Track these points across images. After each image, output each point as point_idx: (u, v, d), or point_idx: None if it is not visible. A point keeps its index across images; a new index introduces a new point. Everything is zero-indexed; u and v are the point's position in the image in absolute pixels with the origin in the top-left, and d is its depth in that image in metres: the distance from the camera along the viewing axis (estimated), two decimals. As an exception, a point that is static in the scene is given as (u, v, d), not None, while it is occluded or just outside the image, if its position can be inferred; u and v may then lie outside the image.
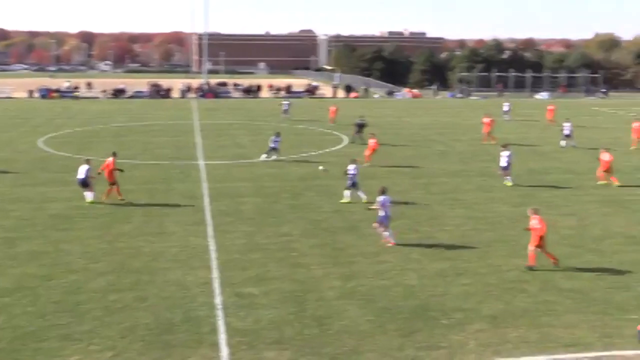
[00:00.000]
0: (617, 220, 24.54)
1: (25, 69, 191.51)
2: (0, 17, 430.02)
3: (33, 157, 37.76)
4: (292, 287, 17.44)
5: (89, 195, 26.43)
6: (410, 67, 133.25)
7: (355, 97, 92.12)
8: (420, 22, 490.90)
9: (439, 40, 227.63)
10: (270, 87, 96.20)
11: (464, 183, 30.95)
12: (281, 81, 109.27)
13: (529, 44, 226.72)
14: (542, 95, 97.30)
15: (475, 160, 37.72)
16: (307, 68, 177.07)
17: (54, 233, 22.21)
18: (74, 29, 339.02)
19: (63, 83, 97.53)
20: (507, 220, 24.38)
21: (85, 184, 26.49)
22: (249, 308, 16.03)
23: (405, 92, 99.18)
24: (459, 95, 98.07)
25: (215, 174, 32.77)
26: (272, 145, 36.34)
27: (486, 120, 45.36)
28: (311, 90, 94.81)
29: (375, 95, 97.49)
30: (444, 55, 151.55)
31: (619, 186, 30.32)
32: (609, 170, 30.92)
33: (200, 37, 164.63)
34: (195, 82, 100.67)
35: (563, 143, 42.89)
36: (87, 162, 27.16)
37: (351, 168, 27.01)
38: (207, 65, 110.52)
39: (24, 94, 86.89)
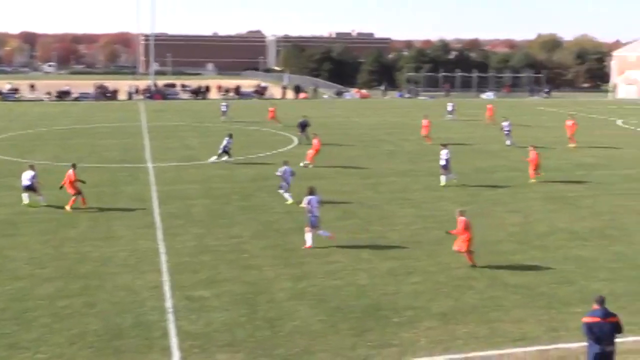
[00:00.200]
0: (561, 217, 25.17)
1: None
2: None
3: (-26, 161, 36.74)
4: (244, 289, 17.39)
5: (25, 198, 25.92)
6: (359, 68, 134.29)
7: (305, 98, 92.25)
8: (367, 23, 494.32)
9: (386, 41, 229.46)
10: (219, 88, 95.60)
11: (413, 182, 31.32)
12: (230, 82, 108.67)
13: (474, 44, 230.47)
14: (488, 95, 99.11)
15: (423, 159, 38.17)
16: (256, 69, 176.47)
17: (-2, 239, 21.66)
18: (15, 30, 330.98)
19: (4, 85, 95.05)
20: (455, 219, 24.69)
21: (30, 189, 25.92)
22: (200, 311, 15.93)
23: (353, 93, 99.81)
24: (407, 95, 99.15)
25: (164, 176, 32.42)
26: (224, 146, 36.00)
27: (424, 122, 45.73)
28: (260, 91, 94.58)
29: (324, 96, 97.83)
30: (391, 55, 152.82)
31: (534, 182, 31.25)
32: (537, 167, 31.63)
33: (146, 37, 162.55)
34: (142, 84, 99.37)
35: (508, 142, 43.66)
36: (32, 167, 26.57)
37: (281, 170, 27.06)
38: (154, 67, 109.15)
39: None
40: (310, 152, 35.51)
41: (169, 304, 16.35)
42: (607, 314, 11.94)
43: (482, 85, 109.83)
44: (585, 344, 14.08)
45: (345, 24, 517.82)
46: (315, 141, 35.78)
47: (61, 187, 26.06)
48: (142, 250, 20.61)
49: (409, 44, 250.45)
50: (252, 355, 13.76)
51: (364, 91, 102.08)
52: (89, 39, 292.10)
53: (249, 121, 57.34)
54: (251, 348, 14.06)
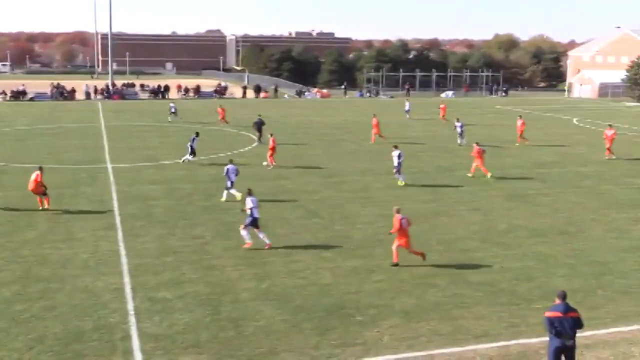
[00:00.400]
0: (521, 214, 25.57)
1: None
2: None
3: None
4: (207, 290, 17.28)
5: None
6: (319, 67, 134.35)
7: (265, 98, 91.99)
8: (328, 23, 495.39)
9: (346, 41, 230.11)
10: (179, 87, 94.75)
11: (375, 181, 31.47)
12: (190, 82, 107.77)
13: (433, 44, 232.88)
14: (447, 95, 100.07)
15: (384, 158, 38.26)
16: (216, 69, 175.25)
17: (-47, 242, 21.14)
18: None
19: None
20: (417, 217, 24.92)
21: None
22: (163, 312, 15.78)
23: (314, 92, 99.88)
24: (367, 95, 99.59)
25: (125, 177, 32.02)
26: (190, 144, 35.44)
27: (374, 121, 46.02)
28: (221, 91, 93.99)
29: (285, 96, 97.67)
30: (352, 55, 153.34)
31: (471, 176, 32.44)
32: (481, 163, 32.54)
33: (104, 37, 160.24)
34: (100, 83, 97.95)
35: (460, 141, 43.75)
36: None
37: (225, 169, 27.47)
38: (113, 66, 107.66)
39: None
40: (268, 153, 35.43)
41: (130, 306, 16.16)
42: (568, 309, 12.18)
43: (442, 85, 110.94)
44: (545, 339, 14.35)
45: (306, 23, 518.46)
46: (270, 140, 35.67)
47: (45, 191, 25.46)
48: (103, 252, 20.34)
49: (369, 44, 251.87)
50: (217, 357, 13.69)
51: (324, 91, 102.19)
52: (45, 38, 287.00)
53: (211, 121, 56.89)
54: (215, 349, 13.99)
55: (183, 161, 35.37)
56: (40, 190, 25.39)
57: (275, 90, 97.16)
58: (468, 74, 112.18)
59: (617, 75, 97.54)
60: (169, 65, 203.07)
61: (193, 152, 35.44)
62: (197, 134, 36.38)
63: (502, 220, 24.72)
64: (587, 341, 14.21)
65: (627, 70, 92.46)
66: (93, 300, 16.49)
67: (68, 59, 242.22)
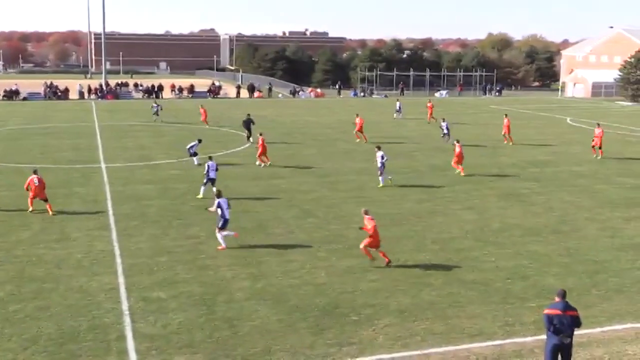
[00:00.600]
0: (514, 213, 25.63)
1: None
2: None
3: None
4: (201, 290, 17.26)
5: None
6: (313, 67, 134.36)
7: (259, 97, 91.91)
8: (321, 22, 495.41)
9: (340, 40, 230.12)
10: (173, 87, 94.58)
11: (369, 181, 31.45)
12: (184, 81, 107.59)
13: (427, 44, 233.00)
14: (441, 94, 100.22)
15: (379, 158, 38.37)
16: (210, 68, 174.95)
17: (-54, 243, 21.05)
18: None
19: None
20: (412, 216, 25.00)
21: None
22: (158, 312, 15.75)
23: (308, 92, 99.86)
24: (361, 94, 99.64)
25: (119, 176, 31.94)
26: (189, 148, 35.03)
27: (357, 120, 46.06)
28: (214, 91, 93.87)
29: (279, 95, 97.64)
30: (345, 55, 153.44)
31: (463, 175, 32.68)
32: (459, 161, 33.08)
33: (97, 36, 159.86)
34: (93, 83, 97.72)
35: (447, 140, 43.72)
36: None
37: (209, 165, 27.73)
38: (106, 66, 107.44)
39: None
40: (259, 152, 35.27)
41: (125, 306, 16.13)
42: (567, 307, 12.25)
43: (436, 85, 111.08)
44: (539, 337, 14.42)
45: (299, 23, 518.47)
46: (259, 140, 35.55)
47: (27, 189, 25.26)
48: (97, 251, 20.28)
49: (362, 44, 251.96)
50: (211, 356, 13.67)
51: (318, 90, 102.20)
52: (38, 38, 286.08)
53: (210, 120, 56.76)
54: (210, 349, 13.97)
55: (199, 164, 34.55)
56: (44, 194, 25.08)
57: (269, 89, 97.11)
58: (462, 73, 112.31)
59: (610, 75, 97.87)
60: (162, 65, 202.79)
61: (190, 154, 34.99)
62: (200, 141, 35.78)
63: (496, 219, 24.76)
64: (581, 339, 14.25)
65: (620, 70, 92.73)
66: (87, 300, 16.45)
67: (61, 58, 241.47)
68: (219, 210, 20.78)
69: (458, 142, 33.73)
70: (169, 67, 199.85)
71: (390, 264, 19.25)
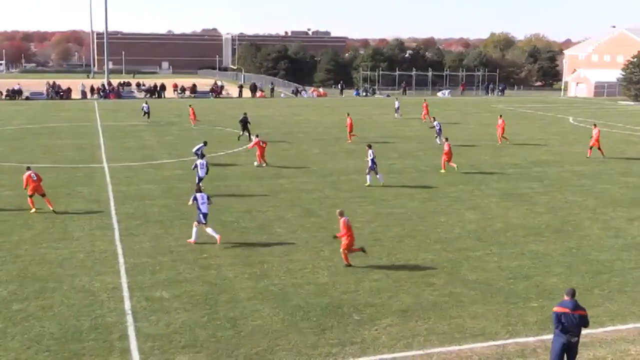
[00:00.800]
0: (517, 213, 25.59)
1: None
2: None
3: None
4: (204, 289, 17.26)
5: None
6: (315, 66, 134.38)
7: (261, 97, 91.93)
8: (323, 22, 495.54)
9: (342, 40, 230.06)
10: (175, 87, 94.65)
11: (372, 180, 31.39)
12: (186, 81, 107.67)
13: (429, 43, 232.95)
14: (444, 94, 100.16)
15: (381, 157, 38.29)
16: (212, 68, 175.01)
17: (-51, 242, 21.08)
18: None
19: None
20: (415, 216, 24.99)
21: None
22: (160, 312, 15.76)
23: (311, 92, 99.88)
24: (364, 94, 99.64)
25: (121, 176, 31.96)
26: (196, 150, 34.82)
27: (348, 120, 46.04)
28: (217, 90, 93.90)
29: (282, 95, 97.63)
30: (348, 54, 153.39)
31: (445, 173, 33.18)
32: (449, 159, 33.60)
33: (100, 36, 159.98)
34: (96, 82, 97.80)
35: (438, 141, 43.73)
36: None
37: (201, 163, 28.50)
38: (109, 65, 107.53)
39: None
40: (258, 153, 35.09)
41: (127, 305, 16.14)
42: (576, 307, 12.26)
43: (438, 84, 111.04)
44: (541, 337, 14.44)
45: (301, 23, 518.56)
46: (255, 140, 35.33)
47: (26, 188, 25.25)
48: (100, 251, 20.30)
49: (365, 43, 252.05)
50: (214, 356, 13.67)
51: (321, 90, 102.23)
52: (40, 37, 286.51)
53: (208, 121, 56.80)
54: (213, 348, 13.97)
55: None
56: (42, 189, 25.16)
57: (272, 89, 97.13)
58: (464, 73, 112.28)
59: (613, 75, 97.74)
60: (165, 65, 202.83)
61: (202, 156, 34.74)
62: (205, 143, 35.69)
63: (499, 219, 24.74)
64: (585, 339, 14.20)
65: (623, 70, 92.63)
66: (90, 299, 16.46)
67: (64, 58, 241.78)
68: (195, 204, 21.11)
69: (447, 140, 34.25)
70: (171, 67, 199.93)
71: (350, 265, 19.12)
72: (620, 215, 25.43)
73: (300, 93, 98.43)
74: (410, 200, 27.49)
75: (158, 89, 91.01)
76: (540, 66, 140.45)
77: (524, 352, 13.99)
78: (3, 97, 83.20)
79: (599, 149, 38.93)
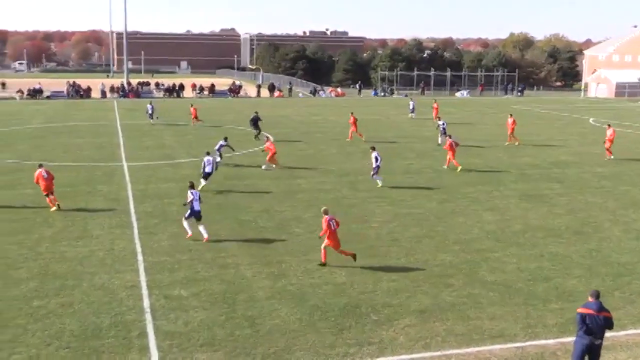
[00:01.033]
0: (536, 214, 25.42)
1: None
2: None
3: (-55, 160, 36.12)
4: (222, 288, 17.31)
5: None
6: (333, 66, 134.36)
7: (279, 97, 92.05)
8: (341, 22, 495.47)
9: (360, 40, 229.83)
10: (194, 86, 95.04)
11: (390, 180, 31.34)
12: (204, 80, 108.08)
13: (448, 43, 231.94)
14: (462, 94, 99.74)
15: (399, 157, 38.33)
16: (231, 67, 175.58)
17: (-30, 239, 21.30)
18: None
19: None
20: (433, 216, 24.90)
21: None
22: (179, 310, 15.83)
23: (329, 91, 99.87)
24: (382, 94, 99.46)
25: (140, 175, 32.15)
26: (218, 148, 34.76)
27: (351, 119, 46.05)
28: (235, 90, 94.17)
29: (300, 95, 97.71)
30: (366, 54, 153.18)
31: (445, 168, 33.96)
32: (452, 156, 34.18)
33: (119, 35, 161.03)
34: (115, 82, 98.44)
35: (441, 140, 43.37)
36: None
37: (208, 160, 28.93)
38: (128, 65, 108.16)
39: None
40: (268, 154, 34.20)
41: (146, 303, 16.23)
42: (601, 308, 12.16)
43: (456, 84, 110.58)
44: (562, 340, 14.33)
45: (320, 23, 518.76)
46: (267, 143, 34.66)
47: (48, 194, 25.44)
48: (119, 249, 20.43)
49: (383, 43, 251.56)
50: (232, 355, 13.70)
51: (339, 90, 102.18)
52: (61, 37, 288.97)
53: (227, 120, 57.01)
54: (231, 347, 14.01)
55: (219, 162, 34.23)
56: (52, 187, 25.38)
57: (290, 89, 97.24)
58: (483, 73, 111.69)
59: (634, 75, 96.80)
60: (184, 64, 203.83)
61: (219, 154, 34.87)
62: (226, 139, 35.68)
63: (518, 220, 24.58)
64: (605, 342, 14.00)
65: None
66: (109, 297, 16.57)
67: (83, 57, 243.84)
68: (189, 202, 21.44)
69: (450, 137, 34.89)
70: (189, 67, 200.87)
71: (355, 257, 19.10)
72: (641, 217, 25.16)
73: (318, 93, 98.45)
74: (428, 201, 27.39)
75: (177, 88, 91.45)
76: (560, 66, 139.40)
77: (543, 355, 13.88)
78: (24, 96, 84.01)
79: (608, 149, 38.49)
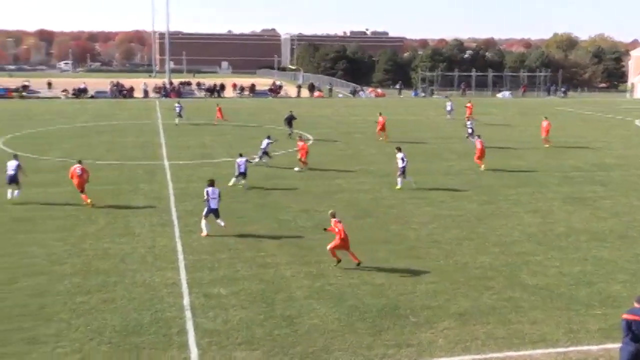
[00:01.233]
0: (580, 217, 24.98)
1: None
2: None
3: (-7, 157, 36.95)
4: (261, 287, 17.39)
5: (16, 194, 26.00)
6: (373, 67, 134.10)
7: (319, 97, 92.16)
8: (381, 22, 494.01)
9: (400, 40, 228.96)
10: (234, 86, 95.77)
11: (430, 181, 31.15)
12: (245, 80, 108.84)
13: (489, 43, 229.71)
14: (504, 95, 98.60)
15: (439, 158, 38.07)
16: (271, 67, 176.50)
17: (16, 235, 21.77)
18: (31, 28, 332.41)
19: (22, 82, 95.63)
20: (473, 218, 24.65)
21: (14, 179, 26.01)
22: (218, 308, 15.94)
23: (369, 92, 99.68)
24: (422, 94, 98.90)
25: (181, 174, 32.50)
26: (264, 148, 35.01)
27: (380, 119, 45.87)
28: (275, 90, 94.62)
29: (340, 95, 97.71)
30: (406, 54, 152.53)
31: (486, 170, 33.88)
32: (481, 156, 34.40)
33: (161, 36, 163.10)
34: (157, 82, 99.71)
35: (469, 139, 43.07)
36: (15, 157, 27.11)
37: (241, 161, 29.44)
38: (170, 65, 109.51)
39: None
40: (300, 155, 33.70)
41: (186, 301, 16.39)
42: None
43: (498, 85, 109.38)
44: (605, 346, 14.03)
45: (360, 23, 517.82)
46: (300, 144, 34.34)
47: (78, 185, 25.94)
48: (160, 247, 20.68)
49: (423, 43, 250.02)
50: (270, 354, 13.75)
51: (379, 90, 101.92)
52: (105, 37, 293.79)
53: (265, 120, 57.31)
54: (269, 346, 14.06)
55: (258, 163, 34.49)
56: (83, 185, 25.81)
57: (330, 89, 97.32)
58: (525, 74, 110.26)
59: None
60: (224, 64, 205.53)
61: (266, 154, 34.89)
62: (269, 137, 35.78)
63: (561, 223, 24.18)
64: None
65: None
66: (150, 294, 16.78)
67: (127, 57, 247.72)
68: (205, 199, 21.96)
69: (479, 137, 34.80)
70: (230, 67, 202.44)
71: (360, 264, 18.94)
72: (688, 222, 24.54)
73: (358, 93, 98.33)
74: (468, 202, 27.13)
75: (217, 88, 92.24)
76: (605, 67, 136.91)
77: (585, 360, 13.64)
78: (69, 95, 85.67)
79: None
